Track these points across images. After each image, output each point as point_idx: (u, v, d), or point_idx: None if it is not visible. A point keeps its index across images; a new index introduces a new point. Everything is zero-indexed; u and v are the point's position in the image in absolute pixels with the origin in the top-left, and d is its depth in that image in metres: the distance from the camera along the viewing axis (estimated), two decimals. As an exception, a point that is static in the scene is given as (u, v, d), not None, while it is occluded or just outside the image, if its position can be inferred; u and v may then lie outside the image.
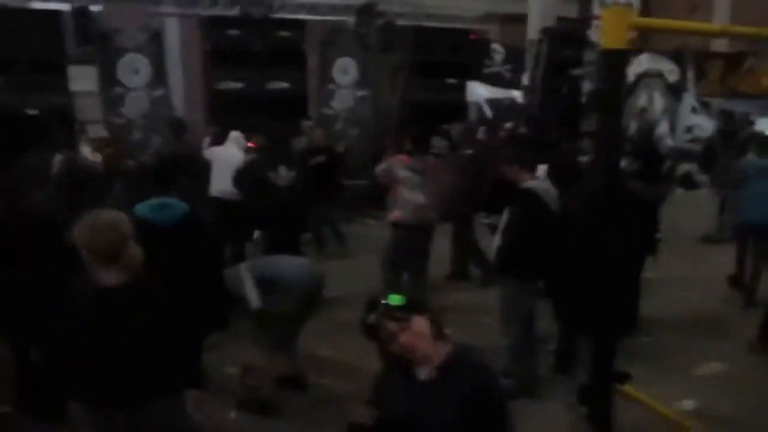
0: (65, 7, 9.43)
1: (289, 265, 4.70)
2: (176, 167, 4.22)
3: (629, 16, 2.55)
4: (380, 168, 6.34)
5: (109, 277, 2.52)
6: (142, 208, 3.76)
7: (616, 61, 2.65)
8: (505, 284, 4.86)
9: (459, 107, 11.47)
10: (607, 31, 2.55)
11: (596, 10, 12.18)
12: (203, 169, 6.99)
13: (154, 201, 3.82)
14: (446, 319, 6.31)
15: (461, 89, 11.72)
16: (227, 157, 7.31)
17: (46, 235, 3.84)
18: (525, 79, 12.40)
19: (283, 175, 6.77)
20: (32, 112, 8.83)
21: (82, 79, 9.70)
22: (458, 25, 12.24)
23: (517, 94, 13.25)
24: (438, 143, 9.46)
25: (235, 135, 7.66)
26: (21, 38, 8.92)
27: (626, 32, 2.50)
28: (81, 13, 9.31)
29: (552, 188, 4.85)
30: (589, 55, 11.66)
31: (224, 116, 9.35)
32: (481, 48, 12.20)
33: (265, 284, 4.44)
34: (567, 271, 4.51)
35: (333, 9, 11.56)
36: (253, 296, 4.38)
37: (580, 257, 3.54)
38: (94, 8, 9.58)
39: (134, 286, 2.53)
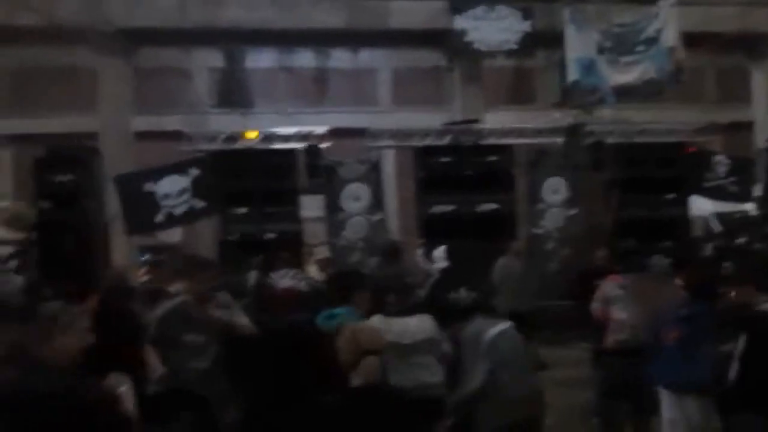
0: (299, 145, 10.70)
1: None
2: (351, 283, 4.56)
3: None
4: (594, 305, 6.08)
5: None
6: (320, 317, 4.16)
7: None
8: (738, 421, 4.30)
9: (680, 223, 10.80)
10: None
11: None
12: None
13: (327, 311, 4.20)
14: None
15: (681, 204, 11.07)
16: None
17: None
18: (757, 191, 11.40)
19: (463, 296, 6.81)
20: (269, 236, 9.97)
21: (311, 206, 10.81)
22: (674, 139, 11.74)
23: (749, 207, 12.19)
24: (659, 261, 8.90)
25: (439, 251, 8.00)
26: (261, 174, 10.26)
27: None
28: (312, 151, 10.50)
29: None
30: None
31: (436, 238, 9.72)
32: (700, 160, 11.54)
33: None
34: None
35: (540, 132, 11.76)
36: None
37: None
38: (323, 145, 10.75)
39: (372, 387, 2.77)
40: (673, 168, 11.06)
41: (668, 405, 5.01)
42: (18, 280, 8.15)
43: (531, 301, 8.76)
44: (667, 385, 5.00)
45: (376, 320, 4.44)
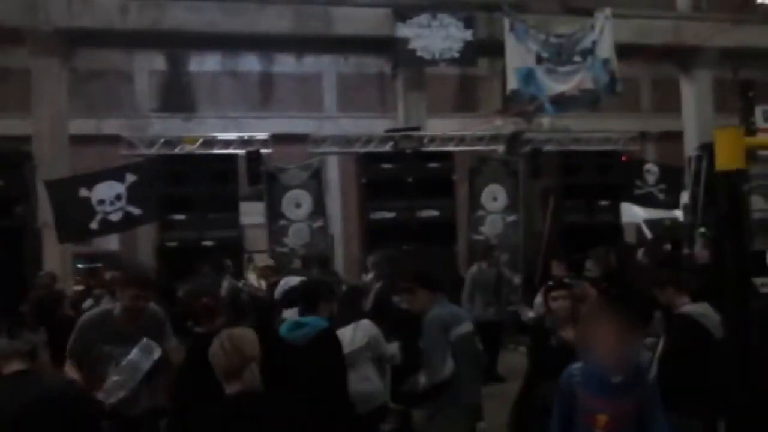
0: (240, 151, 10.61)
1: None
2: (318, 292, 4.56)
3: (742, 137, 2.50)
4: (537, 302, 6.20)
5: (231, 388, 2.75)
6: (282, 327, 4.18)
7: (732, 181, 2.58)
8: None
9: (613, 229, 11.16)
10: (720, 151, 2.51)
11: (759, 122, 11.61)
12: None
13: (292, 320, 4.22)
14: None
15: (614, 211, 11.43)
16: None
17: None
18: (684, 198, 11.87)
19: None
20: (208, 243, 9.84)
21: (251, 213, 10.72)
22: (609, 147, 12.12)
23: (678, 214, 12.68)
24: (592, 267, 9.17)
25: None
26: (201, 179, 10.12)
27: (741, 152, 2.43)
28: (254, 157, 10.42)
29: (713, 313, 4.51)
30: (755, 170, 11.00)
31: (378, 244, 9.78)
32: (633, 169, 11.96)
33: None
34: (736, 407, 4.09)
35: (480, 139, 11.96)
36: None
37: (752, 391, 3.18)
38: (264, 151, 10.67)
39: (254, 397, 2.72)
40: (608, 176, 11.41)
41: None
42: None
43: (503, 309, 8.83)
44: None
45: None
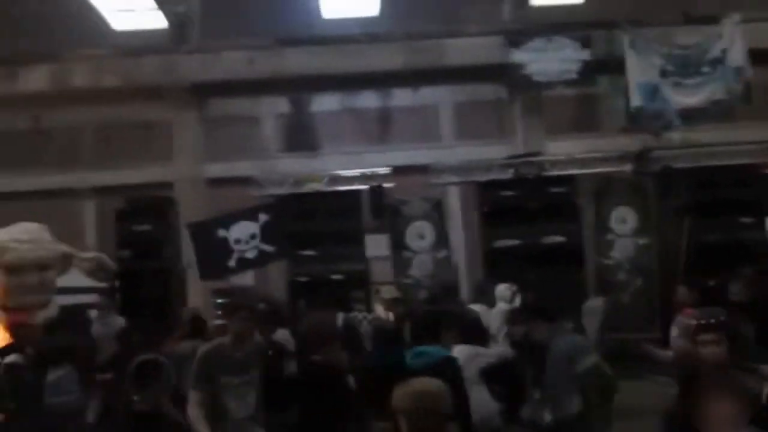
0: (363, 186, 10.93)
1: None
2: (438, 322, 4.63)
3: None
4: (675, 339, 5.83)
5: None
6: (407, 356, 4.30)
7: None
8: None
9: (762, 248, 10.37)
10: None
11: None
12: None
13: (415, 349, 4.35)
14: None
15: (758, 227, 10.63)
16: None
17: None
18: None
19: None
20: (336, 277, 10.19)
21: (376, 246, 10.98)
22: (747, 159, 11.31)
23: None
24: (736, 290, 8.56)
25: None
26: (328, 215, 10.55)
27: None
28: (376, 191, 10.72)
29: None
30: None
31: (503, 272, 9.66)
32: (776, 180, 11.09)
33: None
34: None
35: (605, 160, 11.58)
36: None
37: None
38: (386, 185, 10.95)
39: None
40: (748, 189, 10.67)
41: None
42: (119, 321, 8.56)
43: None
44: None
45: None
